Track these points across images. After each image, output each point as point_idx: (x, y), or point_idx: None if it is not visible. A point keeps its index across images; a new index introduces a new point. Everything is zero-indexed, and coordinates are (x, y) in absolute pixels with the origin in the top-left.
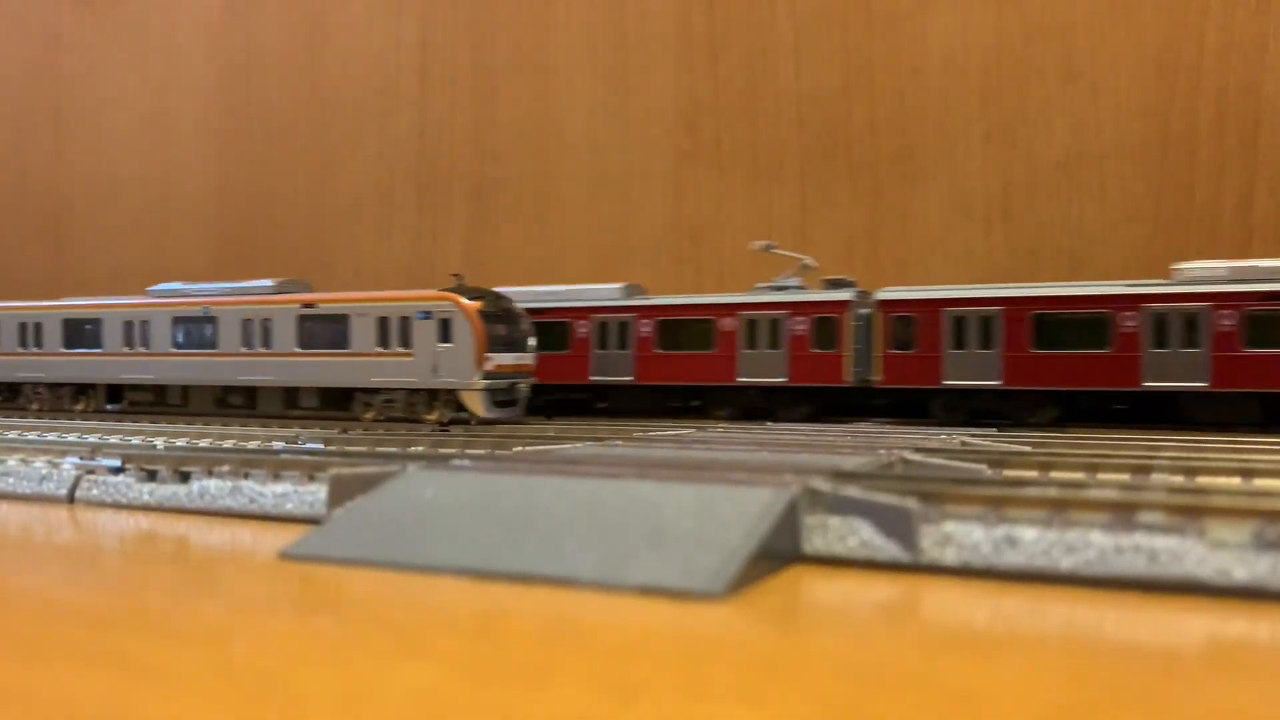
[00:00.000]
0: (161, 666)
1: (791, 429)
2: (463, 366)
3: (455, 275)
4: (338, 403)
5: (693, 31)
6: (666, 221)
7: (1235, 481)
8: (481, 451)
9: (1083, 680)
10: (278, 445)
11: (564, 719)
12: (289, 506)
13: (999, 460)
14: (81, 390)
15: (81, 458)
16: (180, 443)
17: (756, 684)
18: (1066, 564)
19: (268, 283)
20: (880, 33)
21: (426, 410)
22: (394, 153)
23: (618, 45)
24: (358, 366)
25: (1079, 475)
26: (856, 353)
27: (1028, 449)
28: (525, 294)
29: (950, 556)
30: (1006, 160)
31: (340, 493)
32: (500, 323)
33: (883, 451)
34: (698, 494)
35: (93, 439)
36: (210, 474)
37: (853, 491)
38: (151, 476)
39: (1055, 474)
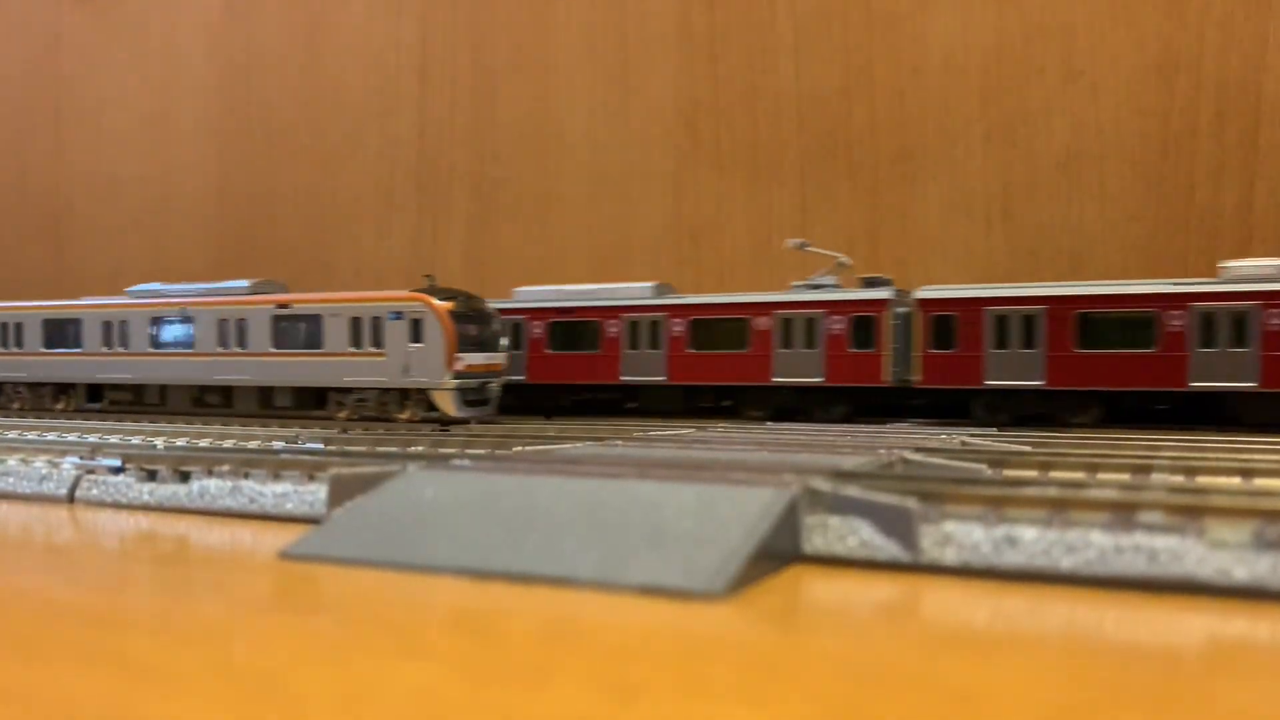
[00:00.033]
0: (161, 666)
1: (791, 429)
2: (433, 366)
3: (427, 276)
4: (312, 402)
5: (693, 31)
6: (666, 221)
7: (1235, 481)
8: (481, 451)
9: (1083, 680)
10: (278, 445)
11: (564, 719)
12: (289, 506)
13: (999, 460)
14: (62, 390)
15: (81, 457)
16: (180, 442)
17: (756, 684)
18: (1066, 564)
19: (244, 283)
20: (880, 33)
21: (398, 409)
22: (394, 153)
23: (618, 45)
24: (331, 366)
25: (1079, 475)
26: (895, 352)
27: (1027, 449)
28: (554, 293)
29: (950, 556)
30: (1006, 160)
31: (340, 492)
32: (471, 323)
33: (882, 451)
34: (698, 494)
35: (93, 439)
36: (210, 474)
37: (853, 491)
38: (151, 476)
39: (1055, 474)
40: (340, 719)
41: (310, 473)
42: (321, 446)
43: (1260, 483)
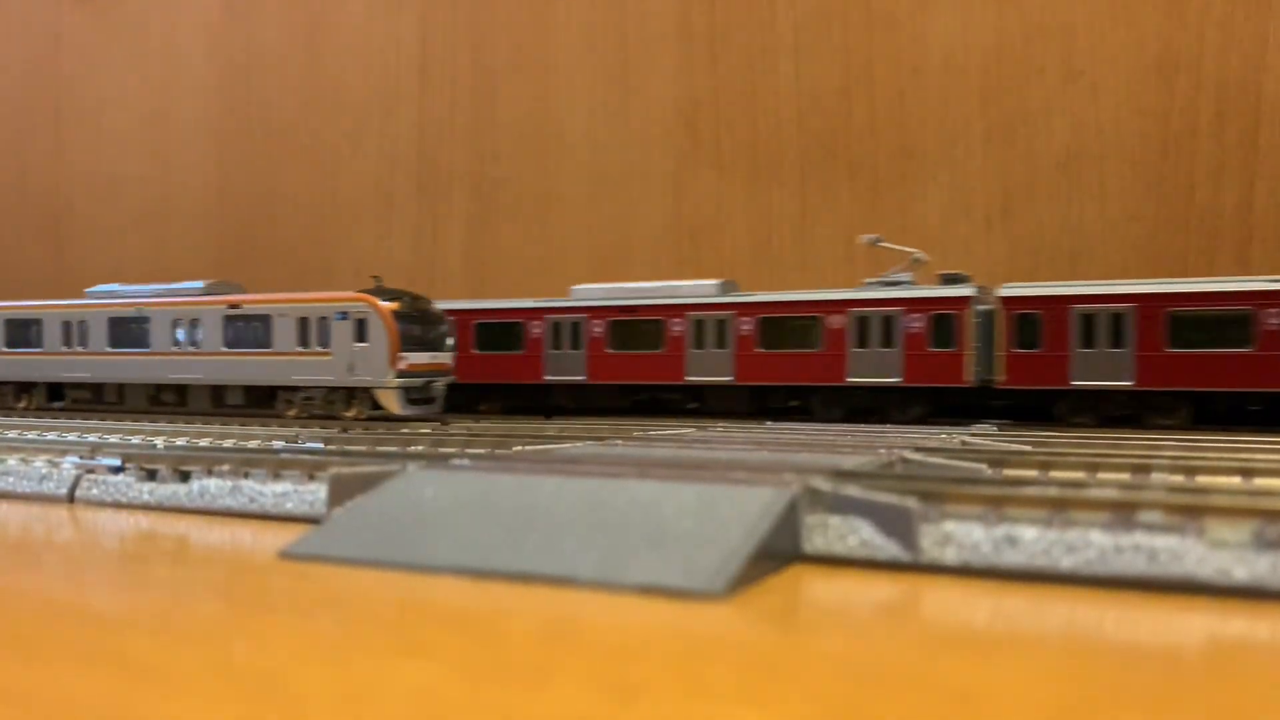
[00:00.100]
0: (161, 666)
1: (791, 428)
2: (377, 365)
3: (374, 277)
4: (262, 400)
5: (693, 31)
6: (666, 221)
7: (1235, 481)
8: (481, 451)
9: (1083, 680)
10: (278, 445)
11: (564, 719)
12: (289, 506)
13: (999, 460)
14: (24, 389)
15: (81, 457)
16: (180, 442)
17: (756, 684)
18: (1067, 563)
19: (198, 284)
20: (880, 33)
21: (345, 408)
22: (394, 153)
23: (618, 45)
24: (279, 365)
25: (1079, 474)
26: (977, 351)
27: (1028, 448)
28: (614, 290)
29: (950, 556)
30: (1006, 160)
31: (340, 492)
32: (416, 323)
33: (883, 451)
34: (698, 493)
35: (92, 438)
36: (210, 473)
37: (853, 491)
38: (151, 476)
39: (1055, 473)
40: (340, 719)
41: (310, 472)
42: (321, 446)
43: (1260, 482)
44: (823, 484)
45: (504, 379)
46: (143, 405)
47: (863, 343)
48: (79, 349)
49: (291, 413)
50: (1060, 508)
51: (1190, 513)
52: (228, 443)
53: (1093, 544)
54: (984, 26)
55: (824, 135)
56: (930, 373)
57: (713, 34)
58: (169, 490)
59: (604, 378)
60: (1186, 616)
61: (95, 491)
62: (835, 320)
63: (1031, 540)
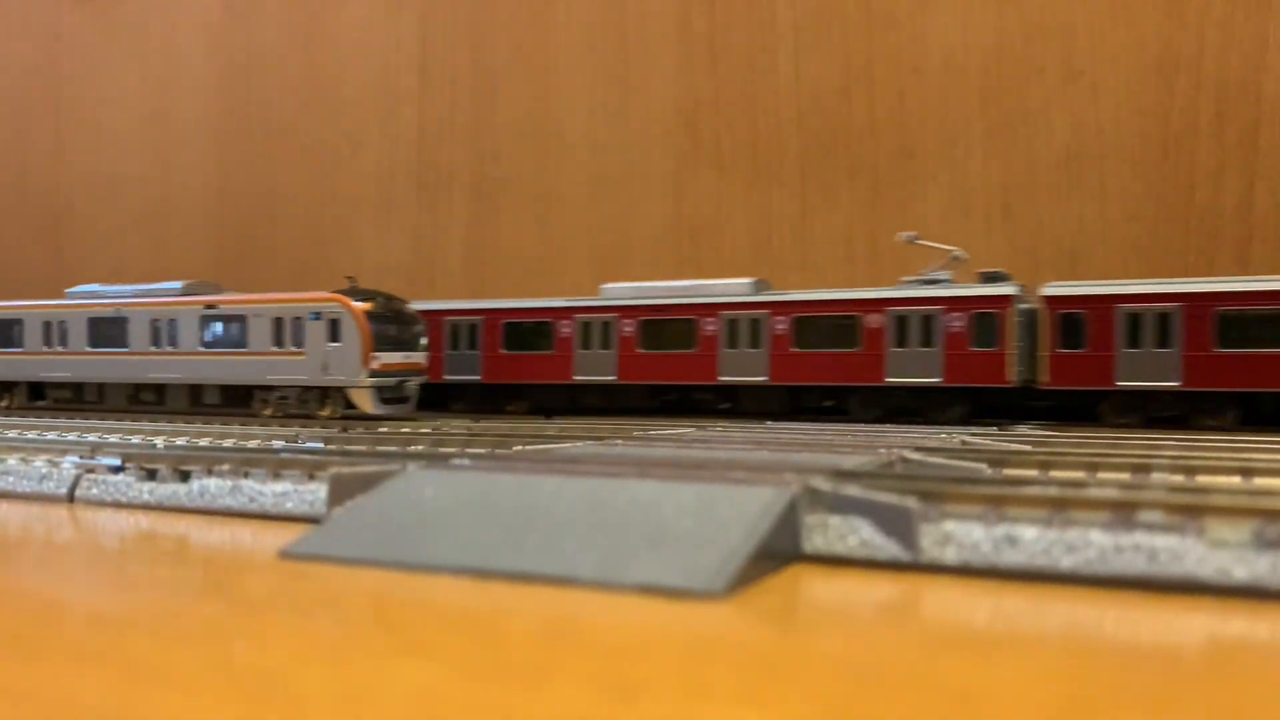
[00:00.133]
0: (161, 666)
1: (791, 428)
2: (350, 365)
3: (349, 278)
4: (238, 399)
5: (693, 31)
6: (666, 221)
7: (1235, 480)
8: (481, 451)
9: (1083, 680)
10: (278, 444)
11: (564, 719)
12: (289, 505)
13: (999, 459)
14: (5, 388)
15: (81, 457)
16: (180, 442)
17: (756, 684)
18: (1067, 563)
19: (176, 285)
20: (880, 32)
21: (319, 406)
22: (394, 153)
23: (618, 45)
24: (255, 365)
25: (1079, 474)
26: (1020, 351)
27: (1028, 448)
28: (645, 290)
29: (950, 556)
30: (1006, 159)
31: (340, 492)
32: (390, 323)
33: (882, 450)
34: (698, 493)
35: (92, 438)
36: (210, 473)
37: (853, 491)
38: (151, 475)
39: (1055, 473)
40: (340, 719)
41: (310, 472)
42: (321, 446)
43: (1260, 482)
44: (823, 484)
45: (532, 379)
46: (122, 404)
47: (902, 342)
48: (59, 349)
49: (267, 411)
50: (1060, 507)
51: (1190, 512)
52: (228, 442)
53: (1093, 544)
54: (984, 26)
55: (824, 135)
56: (971, 373)
57: (713, 34)
58: (169, 490)
59: (635, 377)
60: (1186, 616)
61: (95, 491)
62: (873, 319)
63: (1031, 540)
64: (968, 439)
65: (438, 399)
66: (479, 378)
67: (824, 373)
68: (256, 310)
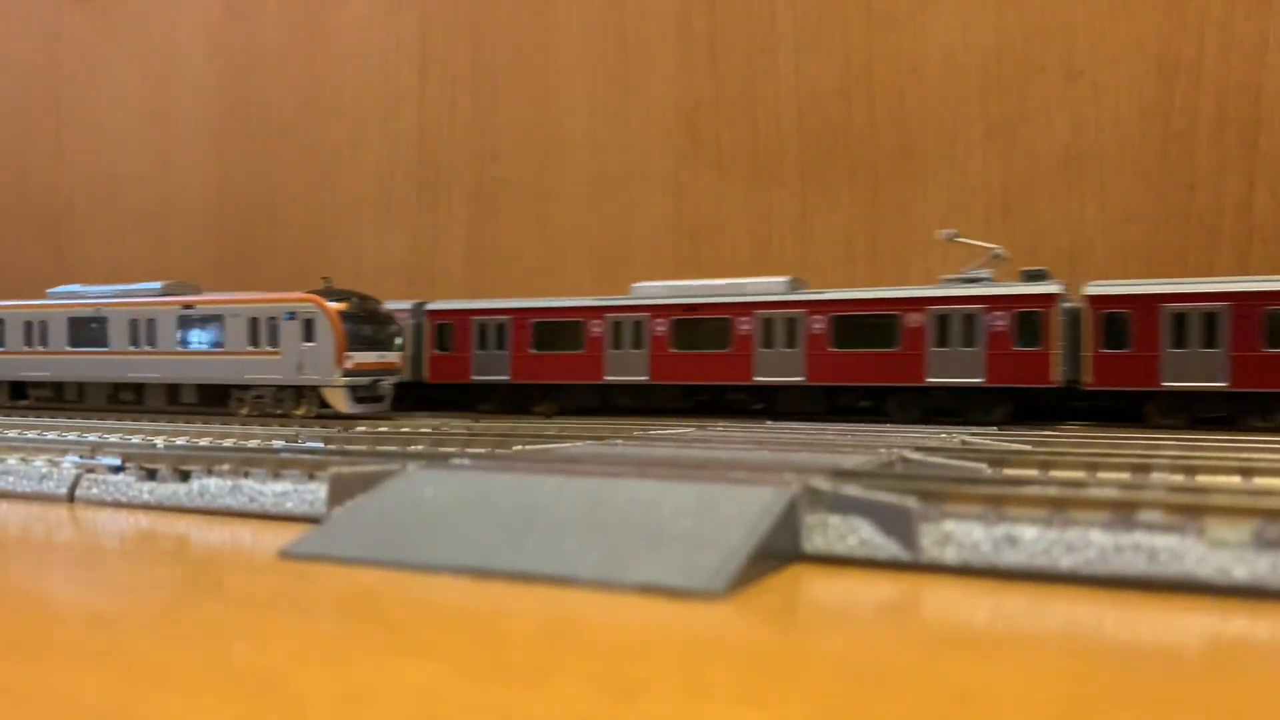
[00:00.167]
0: (161, 666)
1: (791, 428)
2: (324, 364)
3: (324, 279)
4: (215, 399)
5: (693, 31)
6: (666, 221)
7: (1235, 480)
8: (481, 451)
9: (1083, 680)
10: (278, 444)
11: (564, 719)
12: (289, 505)
13: (999, 459)
14: None
15: (82, 456)
16: (180, 441)
17: (756, 684)
18: (1066, 563)
19: (155, 285)
20: (880, 32)
21: (294, 405)
22: (394, 153)
23: (618, 45)
24: (231, 364)
25: (1079, 474)
26: (1064, 351)
27: (1028, 448)
28: (677, 288)
29: (950, 555)
30: (1006, 159)
31: (340, 492)
32: (364, 323)
33: (883, 450)
34: (698, 493)
35: (93, 438)
36: (210, 473)
37: (853, 490)
38: (151, 475)
39: (1055, 473)
40: (340, 719)
41: (310, 472)
42: (321, 445)
43: (1260, 482)
44: (823, 483)
45: (562, 379)
46: (102, 403)
47: (943, 342)
48: (40, 348)
49: (244, 411)
50: (1060, 507)
51: (1190, 512)
52: (228, 442)
53: (1093, 543)
54: (984, 26)
55: (824, 135)
56: (1015, 373)
57: (713, 34)
58: (169, 490)
59: (667, 378)
60: (1186, 616)
61: (95, 491)
62: (913, 319)
63: (1031, 540)
64: (968, 439)
65: (464, 400)
66: (508, 378)
67: (862, 373)
68: (233, 310)
